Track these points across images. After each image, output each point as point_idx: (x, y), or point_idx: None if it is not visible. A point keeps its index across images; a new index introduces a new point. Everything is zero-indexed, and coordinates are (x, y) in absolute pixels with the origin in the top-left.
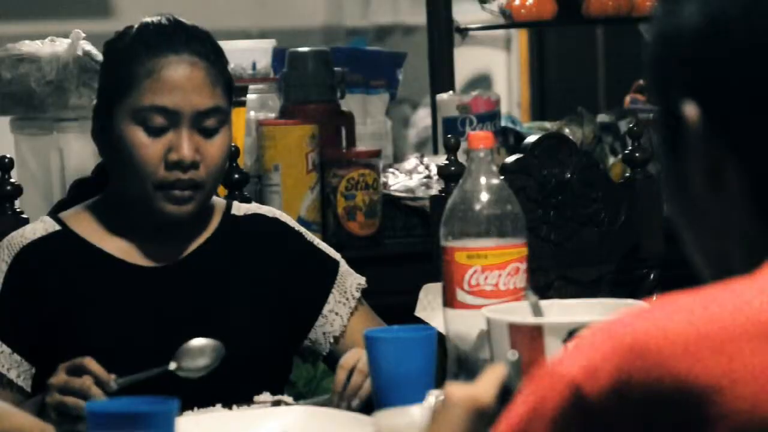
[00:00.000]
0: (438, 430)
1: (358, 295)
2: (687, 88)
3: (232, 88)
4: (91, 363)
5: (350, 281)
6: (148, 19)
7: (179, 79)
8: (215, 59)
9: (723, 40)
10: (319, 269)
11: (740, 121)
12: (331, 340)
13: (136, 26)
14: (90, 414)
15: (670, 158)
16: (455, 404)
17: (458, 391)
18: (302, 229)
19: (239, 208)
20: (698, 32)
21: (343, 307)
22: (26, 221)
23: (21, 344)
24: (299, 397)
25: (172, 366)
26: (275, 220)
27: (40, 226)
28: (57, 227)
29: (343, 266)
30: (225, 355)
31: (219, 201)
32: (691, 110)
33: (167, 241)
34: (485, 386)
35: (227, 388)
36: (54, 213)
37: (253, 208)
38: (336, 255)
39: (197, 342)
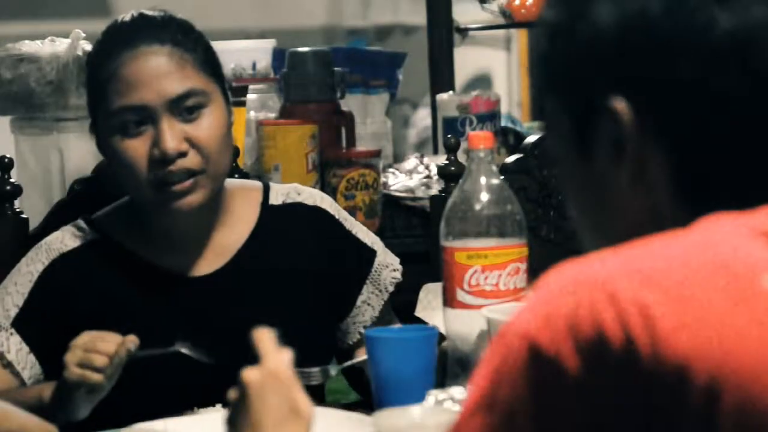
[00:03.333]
0: (252, 419)
1: (392, 289)
2: (612, 86)
3: (214, 66)
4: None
5: (385, 274)
6: (111, 21)
7: (138, 73)
8: (182, 40)
9: (646, 37)
10: (356, 261)
11: (669, 114)
12: (361, 330)
13: (101, 33)
14: None
15: (583, 158)
16: (257, 388)
17: (252, 374)
18: (342, 215)
19: (277, 195)
20: (619, 30)
21: (376, 299)
22: (26, 221)
23: (41, 345)
24: None
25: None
26: (315, 209)
27: (80, 235)
28: (95, 235)
29: (380, 256)
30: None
31: (254, 186)
32: (621, 107)
33: (201, 244)
34: (270, 356)
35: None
36: (83, 215)
37: (293, 194)
38: (374, 243)
39: None
